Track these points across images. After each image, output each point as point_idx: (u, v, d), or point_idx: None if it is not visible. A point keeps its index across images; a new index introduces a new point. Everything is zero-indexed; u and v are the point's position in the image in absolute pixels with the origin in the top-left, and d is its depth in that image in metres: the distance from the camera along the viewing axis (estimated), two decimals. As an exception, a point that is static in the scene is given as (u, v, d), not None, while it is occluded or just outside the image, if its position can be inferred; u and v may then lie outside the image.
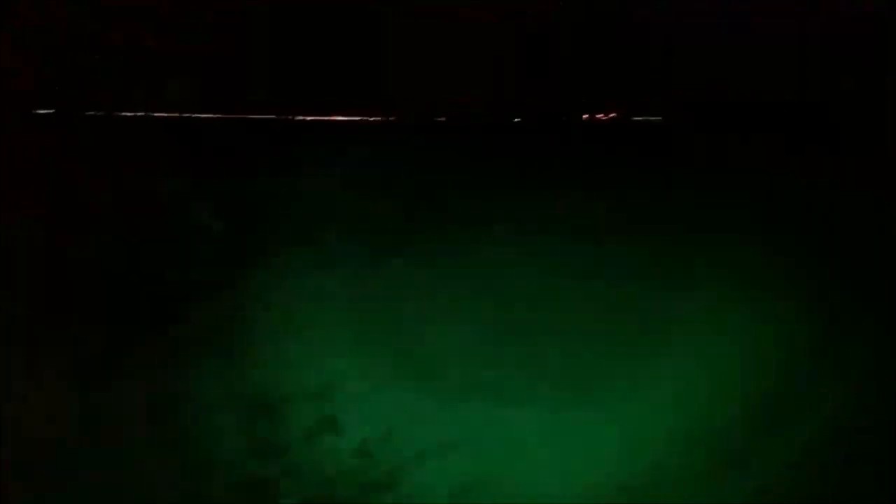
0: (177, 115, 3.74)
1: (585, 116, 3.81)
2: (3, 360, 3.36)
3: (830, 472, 3.16)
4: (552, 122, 3.80)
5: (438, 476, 3.18)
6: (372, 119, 3.73)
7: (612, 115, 3.78)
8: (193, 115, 3.77)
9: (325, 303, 3.66)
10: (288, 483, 3.16)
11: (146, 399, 3.31)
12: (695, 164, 3.83)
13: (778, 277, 3.70)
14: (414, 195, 3.74)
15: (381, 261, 3.68)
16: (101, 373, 3.35)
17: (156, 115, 3.73)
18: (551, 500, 3.13)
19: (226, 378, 3.39)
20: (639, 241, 3.73)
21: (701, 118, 3.84)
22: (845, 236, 3.78)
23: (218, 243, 3.69)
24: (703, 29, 3.82)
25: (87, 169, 3.70)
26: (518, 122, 3.78)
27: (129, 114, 3.75)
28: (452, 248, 3.64)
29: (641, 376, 3.46)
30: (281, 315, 3.59)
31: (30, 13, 3.66)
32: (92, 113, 3.76)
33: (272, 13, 3.77)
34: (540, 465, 3.21)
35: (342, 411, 3.36)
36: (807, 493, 3.14)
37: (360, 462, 3.23)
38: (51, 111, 3.75)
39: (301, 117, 3.78)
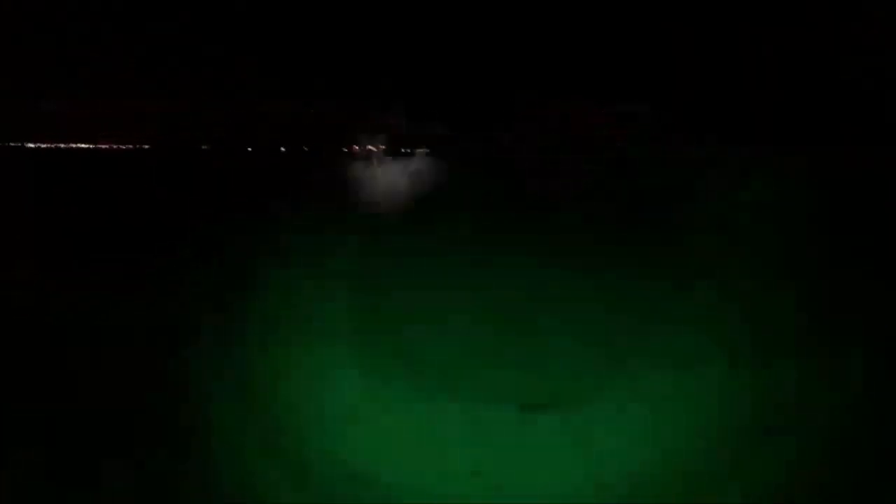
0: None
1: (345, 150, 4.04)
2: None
3: (832, 473, 3.16)
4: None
5: (440, 476, 3.17)
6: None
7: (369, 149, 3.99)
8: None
9: (325, 307, 3.67)
10: (288, 484, 3.15)
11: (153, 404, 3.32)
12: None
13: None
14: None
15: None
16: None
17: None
18: (553, 499, 3.12)
19: (229, 380, 3.40)
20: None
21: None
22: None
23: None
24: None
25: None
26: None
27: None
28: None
29: (639, 378, 3.46)
30: (282, 319, 3.60)
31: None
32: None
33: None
34: (540, 465, 3.20)
35: (343, 412, 3.35)
36: (809, 495, 3.13)
37: (360, 463, 3.22)
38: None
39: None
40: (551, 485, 3.13)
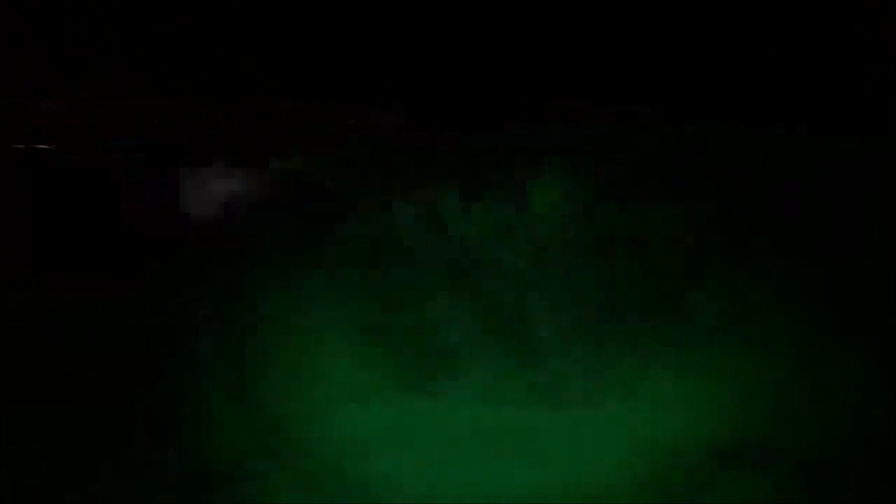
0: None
1: None
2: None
3: (832, 475, 3.17)
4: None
5: (440, 476, 3.18)
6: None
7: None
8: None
9: (324, 304, 3.67)
10: (288, 484, 3.16)
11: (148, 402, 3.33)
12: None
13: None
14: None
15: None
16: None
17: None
18: (553, 500, 3.14)
19: (227, 378, 3.41)
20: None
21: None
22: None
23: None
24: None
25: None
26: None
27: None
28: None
29: (639, 379, 3.47)
30: (280, 318, 3.61)
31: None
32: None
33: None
34: (542, 465, 3.22)
35: (343, 412, 3.36)
36: (808, 494, 3.15)
37: (360, 462, 3.24)
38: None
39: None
40: (553, 485, 3.14)
